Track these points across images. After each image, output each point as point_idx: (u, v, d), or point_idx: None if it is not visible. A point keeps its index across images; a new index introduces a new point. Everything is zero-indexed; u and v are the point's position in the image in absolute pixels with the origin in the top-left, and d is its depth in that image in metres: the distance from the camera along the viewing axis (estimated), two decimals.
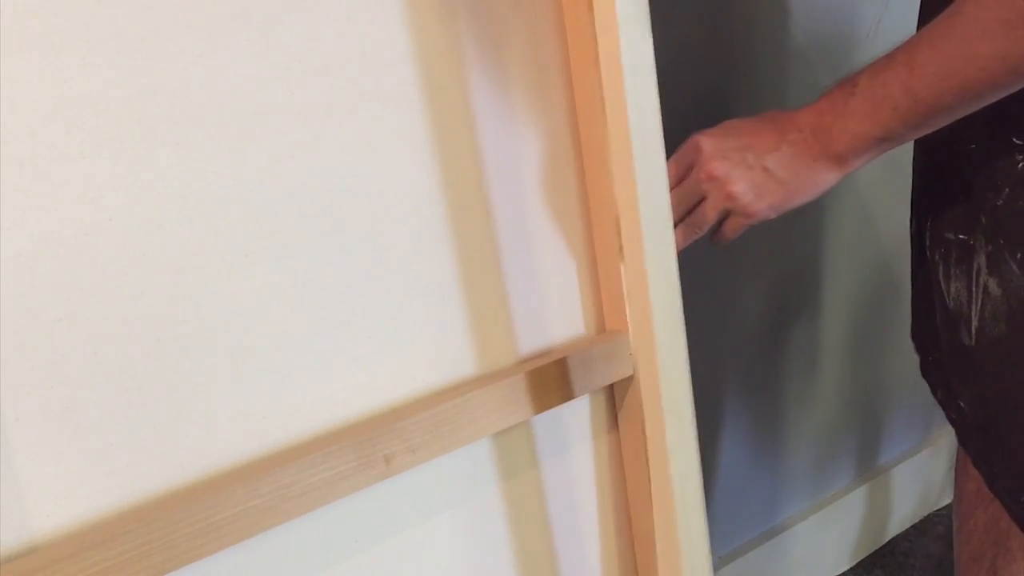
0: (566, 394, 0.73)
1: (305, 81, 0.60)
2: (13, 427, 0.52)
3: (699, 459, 0.74)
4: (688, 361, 0.74)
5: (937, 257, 0.71)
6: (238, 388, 0.60)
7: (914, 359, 0.81)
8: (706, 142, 0.68)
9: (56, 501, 0.54)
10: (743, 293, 1.14)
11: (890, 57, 0.60)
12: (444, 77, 0.66)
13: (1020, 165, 0.63)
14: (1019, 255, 0.63)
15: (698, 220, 0.70)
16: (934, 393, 0.78)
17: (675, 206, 0.69)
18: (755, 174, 0.66)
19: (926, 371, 0.79)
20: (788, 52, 1.10)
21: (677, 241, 0.70)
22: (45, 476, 0.53)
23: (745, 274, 1.13)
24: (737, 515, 1.23)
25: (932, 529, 1.49)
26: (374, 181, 0.64)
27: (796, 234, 1.19)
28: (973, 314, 0.68)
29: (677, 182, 0.71)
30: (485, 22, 0.68)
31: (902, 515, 1.48)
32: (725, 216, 0.70)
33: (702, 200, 0.69)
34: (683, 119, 1.01)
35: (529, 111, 0.71)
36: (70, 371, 0.53)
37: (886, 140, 0.62)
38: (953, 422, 0.75)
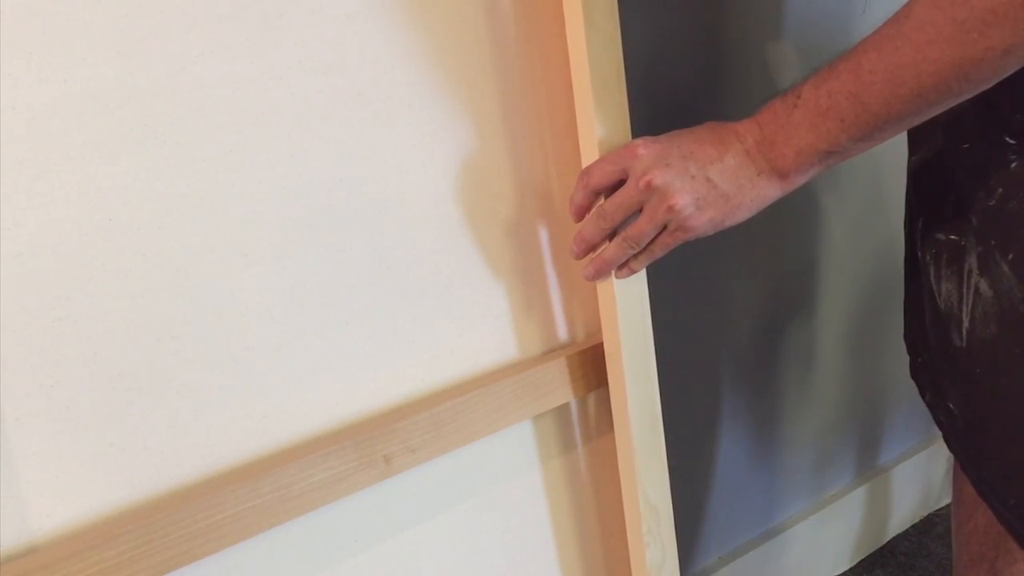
0: (565, 395, 0.73)
1: (305, 81, 0.60)
2: (13, 427, 0.52)
3: (666, 465, 0.74)
4: (655, 369, 0.72)
5: (928, 258, 0.71)
6: (238, 388, 0.60)
7: None
8: (646, 148, 0.61)
9: (56, 501, 0.54)
10: (742, 294, 1.14)
11: (834, 66, 0.56)
12: (444, 77, 0.66)
13: (1013, 165, 0.63)
14: (1011, 256, 0.63)
15: (635, 234, 0.63)
16: (922, 395, 0.77)
17: (608, 215, 0.63)
18: (697, 185, 0.60)
19: (915, 372, 0.78)
20: (781, 48, 1.10)
21: (609, 256, 0.65)
22: (45, 476, 0.53)
23: (744, 274, 1.13)
24: (737, 515, 1.23)
25: (932, 529, 1.48)
26: (374, 181, 0.64)
27: (795, 234, 1.19)
28: (964, 315, 0.67)
29: (610, 187, 0.64)
30: (488, 23, 0.68)
31: (902, 515, 1.48)
32: (660, 230, 0.62)
33: (638, 211, 0.63)
34: (669, 117, 1.01)
35: (529, 111, 0.71)
36: (70, 371, 0.53)
37: (832, 154, 0.58)
38: (941, 424, 0.74)
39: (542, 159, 0.73)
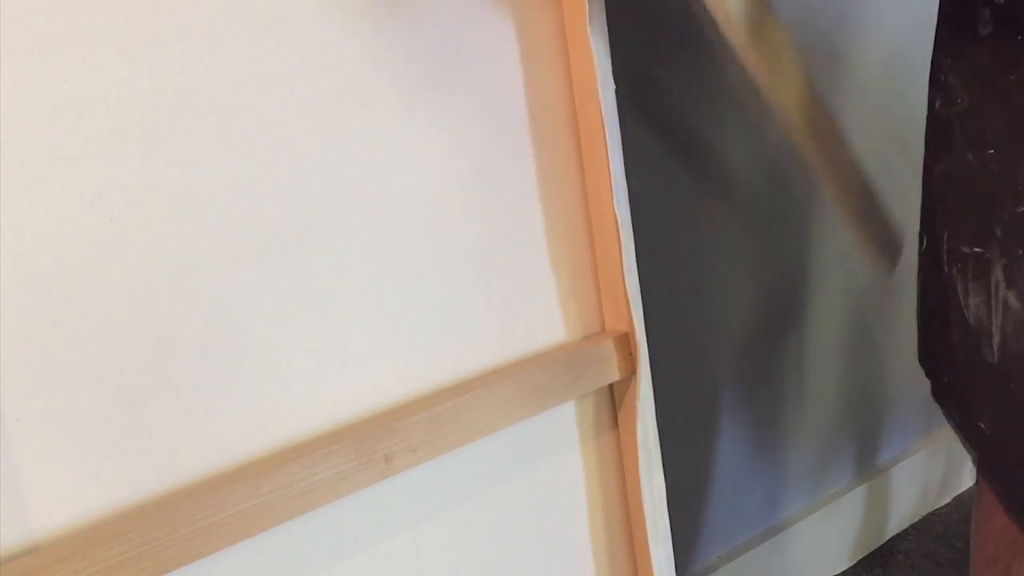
0: (567, 394, 0.73)
1: (306, 81, 0.60)
2: (14, 427, 0.52)
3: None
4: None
5: (954, 271, 0.69)
6: (238, 388, 0.60)
7: (913, 357, 0.80)
8: None
9: (56, 501, 0.54)
10: (742, 293, 1.14)
11: None
12: (444, 78, 0.66)
13: None
14: None
15: None
16: (949, 418, 0.74)
17: None
18: None
19: (939, 394, 0.76)
20: None
21: None
22: (45, 476, 0.53)
23: (744, 273, 1.13)
24: (736, 514, 1.23)
25: (932, 529, 1.49)
26: (374, 181, 0.64)
27: (795, 233, 1.19)
28: (994, 329, 0.66)
29: None
30: (486, 24, 0.68)
31: (901, 515, 1.48)
32: None
33: None
34: (667, 116, 1.01)
35: (530, 111, 0.71)
36: (70, 371, 0.53)
37: None
38: (972, 444, 0.73)
39: (543, 159, 0.73)
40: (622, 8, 0.90)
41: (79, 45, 0.51)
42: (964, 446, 0.74)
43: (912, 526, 1.50)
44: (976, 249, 0.66)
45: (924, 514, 1.53)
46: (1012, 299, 0.64)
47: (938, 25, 0.69)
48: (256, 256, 0.59)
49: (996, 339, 0.66)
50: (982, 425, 0.70)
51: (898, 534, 1.48)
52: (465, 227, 0.69)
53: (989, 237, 0.65)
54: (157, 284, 0.56)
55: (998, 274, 0.65)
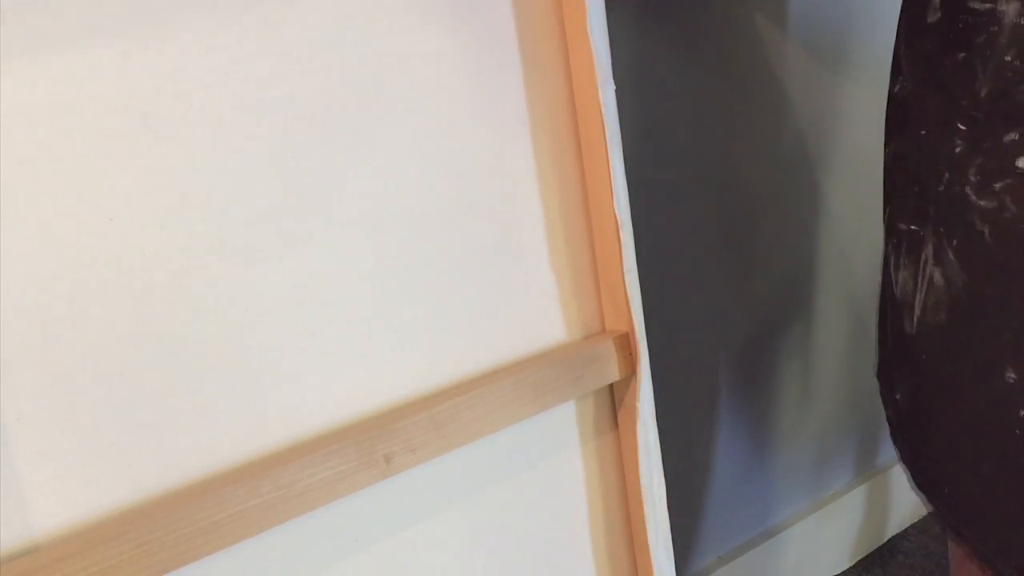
0: (567, 394, 0.73)
1: (306, 81, 0.60)
2: (14, 427, 0.52)
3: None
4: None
5: (889, 247, 0.71)
6: (238, 388, 0.60)
7: None
8: None
9: (56, 501, 0.54)
10: (741, 292, 1.14)
11: None
12: (445, 78, 0.66)
13: (958, 150, 0.63)
14: (955, 242, 0.64)
15: None
16: (881, 393, 0.76)
17: None
18: None
19: (878, 372, 0.78)
20: (779, 47, 1.10)
21: None
22: (46, 476, 0.53)
23: (743, 273, 1.13)
24: (735, 515, 1.23)
25: (931, 528, 1.49)
26: (373, 181, 0.64)
27: (794, 233, 1.19)
28: (916, 303, 0.68)
29: None
30: (486, 24, 0.68)
31: (901, 514, 1.48)
32: None
33: None
34: (661, 115, 1.01)
35: (530, 111, 0.71)
36: (70, 371, 0.53)
37: None
38: (889, 419, 0.74)
39: (543, 160, 0.73)
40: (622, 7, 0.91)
41: (79, 45, 0.51)
42: (886, 419, 0.75)
43: (912, 526, 1.50)
44: (912, 227, 0.68)
45: (924, 514, 1.53)
46: (937, 275, 0.66)
47: (900, 13, 0.71)
48: (256, 256, 0.59)
49: (916, 312, 0.68)
50: (898, 396, 0.72)
51: (898, 534, 1.48)
52: (465, 227, 0.69)
53: (924, 215, 0.67)
54: (158, 284, 0.56)
55: (928, 251, 0.67)
